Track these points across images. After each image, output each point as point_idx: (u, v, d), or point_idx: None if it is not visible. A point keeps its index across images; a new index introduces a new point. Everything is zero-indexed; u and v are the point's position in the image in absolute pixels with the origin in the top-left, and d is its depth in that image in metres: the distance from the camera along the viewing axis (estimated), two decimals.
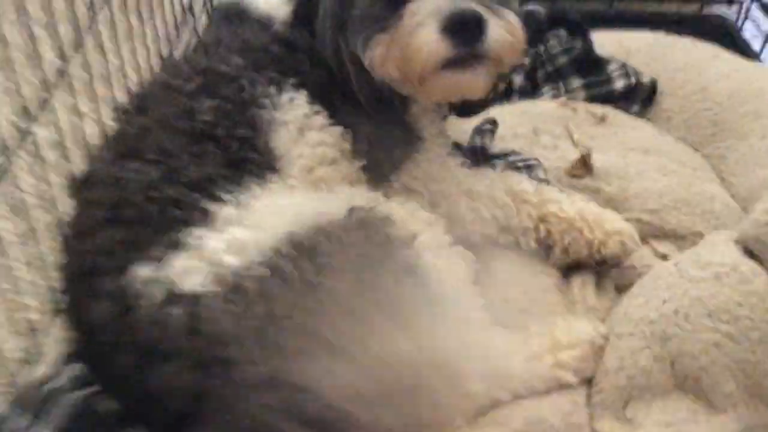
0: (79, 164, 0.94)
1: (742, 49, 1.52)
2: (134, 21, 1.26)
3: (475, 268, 0.92)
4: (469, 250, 0.91)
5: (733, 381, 0.79)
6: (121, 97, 1.10)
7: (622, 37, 1.45)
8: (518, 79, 1.37)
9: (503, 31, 0.82)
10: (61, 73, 0.97)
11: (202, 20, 1.59)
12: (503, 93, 1.31)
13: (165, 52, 1.36)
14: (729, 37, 1.55)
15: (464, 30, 0.79)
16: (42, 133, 0.92)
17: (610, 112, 1.28)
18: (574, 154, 1.16)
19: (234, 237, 0.69)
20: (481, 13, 0.79)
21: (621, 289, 0.97)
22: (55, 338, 0.86)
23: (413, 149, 0.92)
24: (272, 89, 0.85)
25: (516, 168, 1.09)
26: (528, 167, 1.10)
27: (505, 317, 0.88)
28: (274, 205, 0.74)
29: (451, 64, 0.81)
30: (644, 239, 1.05)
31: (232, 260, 0.67)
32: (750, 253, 0.83)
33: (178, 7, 1.47)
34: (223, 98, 0.83)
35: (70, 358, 0.81)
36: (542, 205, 0.98)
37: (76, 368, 0.78)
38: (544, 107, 1.29)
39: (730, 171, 1.21)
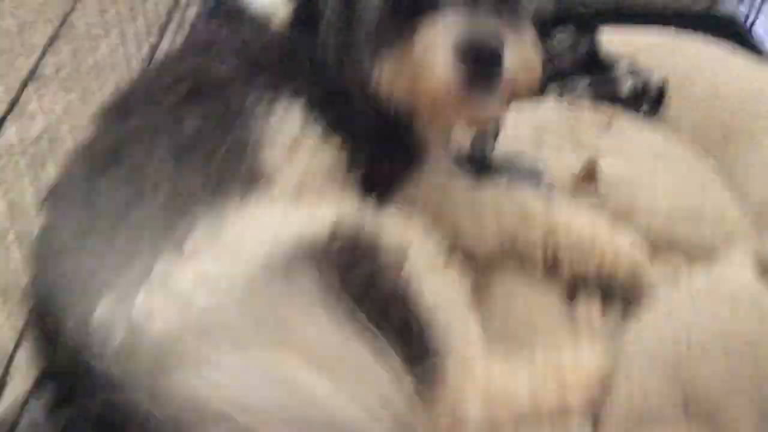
0: (52, 172, 0.89)
1: (753, 47, 1.47)
2: (118, 10, 1.20)
3: (475, 282, 0.89)
4: (471, 264, 0.87)
5: (750, 416, 0.75)
6: (101, 98, 1.04)
7: (630, 35, 1.41)
8: None
9: (521, 58, 0.77)
10: (33, 71, 0.91)
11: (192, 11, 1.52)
12: None
13: (151, 45, 1.30)
14: (738, 36, 1.49)
15: (481, 58, 0.74)
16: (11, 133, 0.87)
17: (617, 115, 1.23)
18: (579, 160, 1.11)
19: (204, 269, 0.64)
20: (500, 41, 0.75)
21: (627, 306, 0.93)
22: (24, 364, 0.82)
23: (416, 161, 0.88)
24: (266, 96, 0.79)
25: (520, 176, 1.06)
26: (533, 175, 1.06)
27: (505, 342, 0.83)
28: (253, 227, 0.69)
29: (465, 91, 0.76)
30: (653, 253, 1.00)
31: (200, 297, 0.62)
32: None
33: None
34: (210, 106, 0.77)
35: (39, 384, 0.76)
36: (550, 219, 0.94)
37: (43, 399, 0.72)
38: (548, 109, 1.24)
39: (742, 177, 1.16)
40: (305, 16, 0.84)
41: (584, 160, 1.11)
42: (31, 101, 0.92)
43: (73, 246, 0.68)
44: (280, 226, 0.69)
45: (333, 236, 0.67)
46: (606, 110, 1.24)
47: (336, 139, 0.82)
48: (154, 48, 1.33)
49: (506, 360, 0.79)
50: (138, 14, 1.28)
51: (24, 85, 0.89)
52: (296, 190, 0.78)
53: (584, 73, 1.30)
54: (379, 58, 0.79)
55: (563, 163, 1.12)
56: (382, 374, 0.59)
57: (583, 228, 0.94)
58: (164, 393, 0.57)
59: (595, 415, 0.80)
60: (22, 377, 0.83)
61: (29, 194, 0.90)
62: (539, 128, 1.19)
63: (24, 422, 0.72)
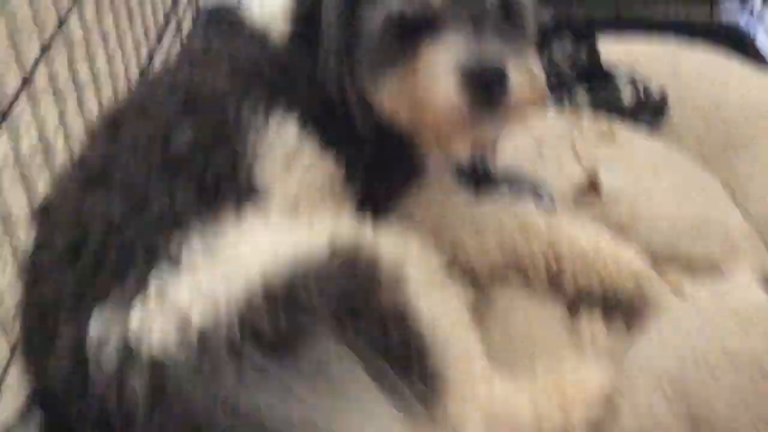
0: (43, 186, 0.87)
1: (756, 57, 1.45)
2: (112, 23, 1.18)
3: (476, 297, 0.89)
4: (471, 279, 0.86)
5: None
6: (94, 111, 1.03)
7: (630, 45, 1.40)
8: None
9: (525, 84, 0.76)
10: (26, 80, 0.89)
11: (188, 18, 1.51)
12: None
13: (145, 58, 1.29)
14: (741, 45, 1.48)
15: (486, 82, 0.73)
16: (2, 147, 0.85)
17: (618, 127, 1.22)
18: (580, 174, 1.10)
19: (201, 286, 0.62)
20: (503, 63, 0.73)
21: (630, 322, 0.91)
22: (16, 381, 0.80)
23: (415, 176, 0.87)
24: (260, 110, 0.77)
25: (521, 189, 1.04)
26: (534, 190, 1.05)
27: (507, 357, 0.83)
28: (250, 244, 0.67)
29: (471, 115, 0.75)
30: (656, 268, 0.98)
31: (198, 316, 0.60)
32: None
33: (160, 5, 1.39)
34: (203, 121, 0.75)
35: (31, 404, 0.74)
36: (552, 235, 0.92)
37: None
38: (548, 120, 1.22)
39: (744, 189, 1.15)
40: (304, 31, 0.82)
41: (585, 171, 1.09)
42: (25, 112, 0.91)
43: (67, 259, 0.66)
44: (278, 242, 0.67)
45: (332, 253, 0.66)
46: (606, 124, 1.22)
47: (332, 154, 0.81)
48: (150, 57, 1.32)
49: (508, 378, 0.77)
50: (135, 24, 1.27)
51: (16, 96, 0.88)
52: (292, 205, 0.76)
53: (584, 82, 1.28)
54: (380, 78, 0.77)
55: (564, 175, 1.11)
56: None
57: (586, 239, 0.93)
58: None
59: None
60: (13, 395, 0.81)
61: (22, 207, 0.88)
62: (539, 139, 1.17)
63: None
